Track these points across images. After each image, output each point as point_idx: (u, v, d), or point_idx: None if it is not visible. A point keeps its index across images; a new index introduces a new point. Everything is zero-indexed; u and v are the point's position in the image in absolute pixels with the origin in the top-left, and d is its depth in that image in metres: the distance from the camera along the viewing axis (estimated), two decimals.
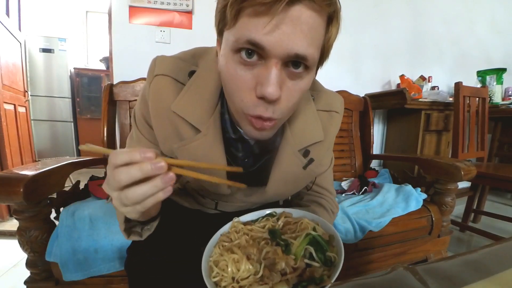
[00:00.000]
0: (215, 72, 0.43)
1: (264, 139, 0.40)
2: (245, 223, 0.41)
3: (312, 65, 0.34)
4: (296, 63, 0.33)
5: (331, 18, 0.33)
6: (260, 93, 0.32)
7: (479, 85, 1.91)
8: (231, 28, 0.32)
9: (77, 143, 3.35)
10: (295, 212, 0.41)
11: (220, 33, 0.36)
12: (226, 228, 0.40)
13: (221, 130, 0.46)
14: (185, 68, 0.45)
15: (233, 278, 0.31)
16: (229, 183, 0.36)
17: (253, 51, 0.32)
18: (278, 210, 0.42)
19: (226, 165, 0.47)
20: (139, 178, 0.27)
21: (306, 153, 0.50)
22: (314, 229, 0.35)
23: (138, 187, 0.28)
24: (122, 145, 1.17)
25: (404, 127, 1.73)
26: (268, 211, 0.43)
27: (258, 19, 0.29)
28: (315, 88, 0.55)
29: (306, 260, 0.31)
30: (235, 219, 0.41)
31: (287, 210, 0.42)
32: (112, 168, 0.28)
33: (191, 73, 0.45)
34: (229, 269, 0.31)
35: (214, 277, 0.32)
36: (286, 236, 0.35)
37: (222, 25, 0.34)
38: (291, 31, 0.30)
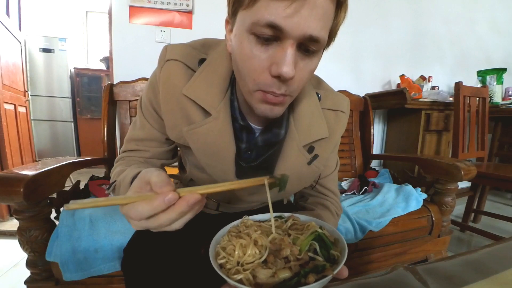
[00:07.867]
0: (226, 59, 0.45)
1: (275, 116, 0.41)
2: (254, 222, 0.41)
3: (321, 47, 0.36)
4: (308, 45, 0.34)
5: (341, 3, 0.35)
6: (276, 72, 0.34)
7: (479, 85, 1.91)
8: (248, 9, 0.33)
9: (77, 143, 3.36)
10: (302, 217, 0.41)
11: (234, 13, 0.37)
12: (235, 223, 0.40)
13: (230, 115, 0.47)
14: (195, 55, 0.47)
15: (238, 262, 0.31)
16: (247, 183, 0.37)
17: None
18: (286, 214, 0.42)
19: (235, 151, 0.48)
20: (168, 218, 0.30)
21: (310, 149, 0.51)
22: (320, 228, 0.36)
23: (164, 215, 0.30)
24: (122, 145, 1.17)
25: (404, 127, 1.73)
26: (276, 214, 0.43)
27: (279, 2, 0.31)
28: (322, 87, 0.55)
29: (310, 254, 0.31)
30: (245, 217, 0.41)
31: (295, 214, 0.42)
32: (137, 220, 0.30)
33: (201, 61, 0.46)
34: (236, 253, 0.31)
35: (220, 260, 0.32)
36: (292, 233, 0.35)
37: (237, 5, 0.35)
38: (308, 15, 0.32)
